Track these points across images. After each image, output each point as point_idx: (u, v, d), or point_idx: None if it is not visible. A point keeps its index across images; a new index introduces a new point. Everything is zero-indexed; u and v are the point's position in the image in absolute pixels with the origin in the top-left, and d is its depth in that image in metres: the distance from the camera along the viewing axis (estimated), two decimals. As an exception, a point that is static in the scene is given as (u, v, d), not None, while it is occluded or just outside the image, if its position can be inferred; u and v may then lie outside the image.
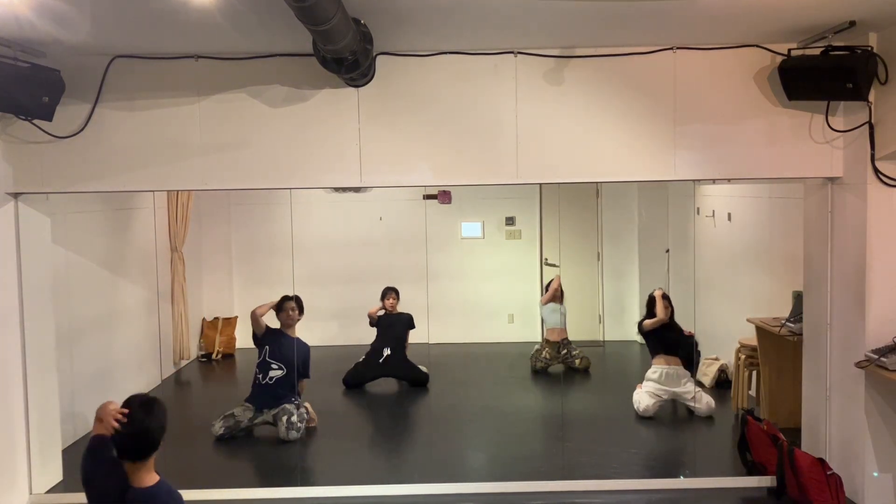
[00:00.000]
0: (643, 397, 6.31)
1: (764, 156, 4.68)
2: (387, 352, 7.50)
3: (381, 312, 7.72)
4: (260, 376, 6.06)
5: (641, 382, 6.44)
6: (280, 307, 6.28)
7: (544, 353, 7.84)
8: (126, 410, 2.61)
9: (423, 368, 7.63)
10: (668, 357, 6.36)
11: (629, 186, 8.85)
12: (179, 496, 2.67)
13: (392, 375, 7.54)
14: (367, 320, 7.70)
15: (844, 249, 4.65)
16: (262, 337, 6.20)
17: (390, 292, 7.75)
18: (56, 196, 5.08)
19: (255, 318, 6.16)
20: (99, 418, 2.64)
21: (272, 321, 6.29)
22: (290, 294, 6.35)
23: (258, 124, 4.70)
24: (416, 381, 7.50)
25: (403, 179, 4.80)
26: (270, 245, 9.13)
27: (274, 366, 6.04)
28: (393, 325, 7.63)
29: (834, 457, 4.72)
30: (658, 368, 6.34)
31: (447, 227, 9.21)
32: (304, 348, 6.27)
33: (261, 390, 6.04)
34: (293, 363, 6.06)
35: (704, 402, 6.28)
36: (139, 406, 2.63)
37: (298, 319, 6.31)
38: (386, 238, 9.12)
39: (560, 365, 7.85)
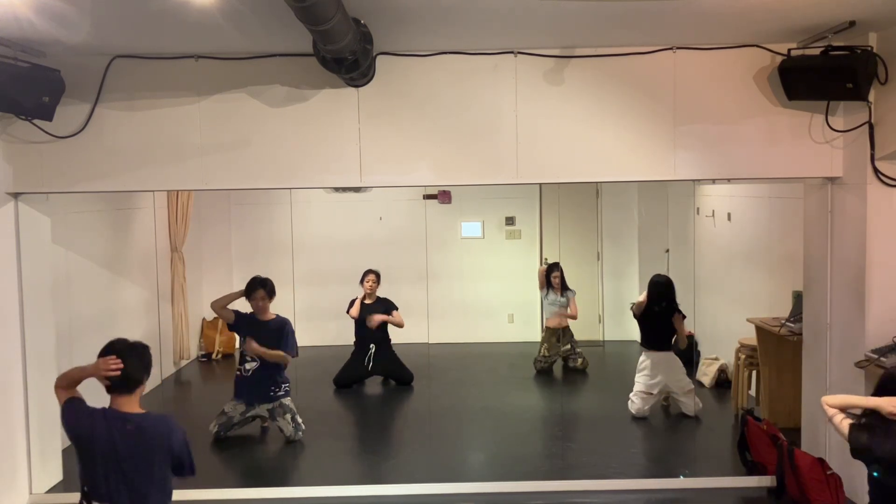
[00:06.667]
0: (635, 400, 6.32)
1: (764, 156, 4.68)
2: (372, 347, 7.33)
3: (365, 302, 7.36)
4: (239, 370, 5.83)
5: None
6: (249, 295, 5.82)
7: (543, 348, 7.80)
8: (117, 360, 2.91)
9: None
10: (658, 352, 6.30)
11: (629, 186, 8.86)
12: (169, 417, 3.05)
13: (380, 374, 7.45)
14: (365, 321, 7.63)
15: (844, 249, 4.64)
16: (233, 326, 5.90)
17: (369, 274, 7.37)
18: (56, 196, 5.08)
19: (216, 310, 5.82)
20: (91, 373, 2.95)
21: (244, 305, 5.89)
22: (260, 277, 5.89)
23: (258, 124, 4.70)
24: (403, 380, 7.44)
25: (403, 179, 4.80)
26: (270, 245, 9.14)
27: (248, 357, 5.75)
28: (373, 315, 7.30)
29: (834, 457, 4.71)
30: (646, 357, 6.32)
31: (447, 227, 9.21)
32: (281, 324, 5.81)
33: (242, 383, 5.82)
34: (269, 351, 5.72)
35: (693, 400, 6.29)
36: (127, 349, 2.97)
37: (270, 302, 5.85)
38: (386, 238, 9.12)
39: (560, 362, 7.82)
